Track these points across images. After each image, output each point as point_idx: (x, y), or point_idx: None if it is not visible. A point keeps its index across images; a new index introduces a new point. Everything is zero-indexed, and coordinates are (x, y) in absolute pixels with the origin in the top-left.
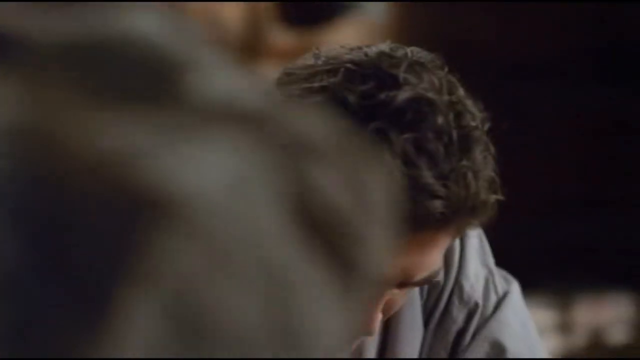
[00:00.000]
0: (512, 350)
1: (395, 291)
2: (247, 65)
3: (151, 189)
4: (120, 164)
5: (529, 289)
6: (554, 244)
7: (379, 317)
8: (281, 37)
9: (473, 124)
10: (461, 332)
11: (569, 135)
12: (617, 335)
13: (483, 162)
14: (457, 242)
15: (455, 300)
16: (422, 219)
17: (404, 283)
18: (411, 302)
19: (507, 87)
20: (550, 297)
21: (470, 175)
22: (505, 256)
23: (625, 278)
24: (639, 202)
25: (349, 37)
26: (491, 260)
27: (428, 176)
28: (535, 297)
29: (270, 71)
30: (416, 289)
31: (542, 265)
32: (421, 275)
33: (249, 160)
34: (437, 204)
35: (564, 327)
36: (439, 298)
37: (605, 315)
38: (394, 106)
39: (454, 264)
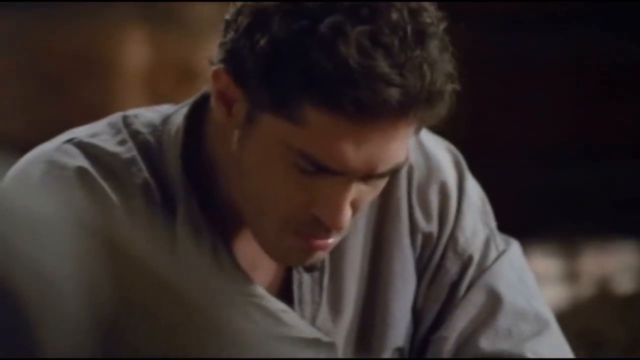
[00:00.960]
0: (508, 299)
1: (362, 187)
2: None
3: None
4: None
5: (535, 238)
6: (559, 192)
7: (348, 212)
8: None
9: (428, 20)
10: (455, 284)
11: (572, 82)
12: (624, 283)
13: (439, 56)
14: (454, 198)
15: (450, 252)
16: (381, 108)
17: (369, 175)
18: (401, 253)
19: (507, 37)
20: (556, 246)
21: (425, 65)
22: (511, 205)
23: (631, 226)
24: None
25: None
26: (493, 222)
27: (384, 66)
28: (541, 246)
29: None
30: (407, 241)
31: (548, 214)
32: (385, 167)
33: None
34: (394, 92)
35: (571, 276)
36: (434, 251)
37: (612, 263)
38: (349, 2)
39: (449, 219)
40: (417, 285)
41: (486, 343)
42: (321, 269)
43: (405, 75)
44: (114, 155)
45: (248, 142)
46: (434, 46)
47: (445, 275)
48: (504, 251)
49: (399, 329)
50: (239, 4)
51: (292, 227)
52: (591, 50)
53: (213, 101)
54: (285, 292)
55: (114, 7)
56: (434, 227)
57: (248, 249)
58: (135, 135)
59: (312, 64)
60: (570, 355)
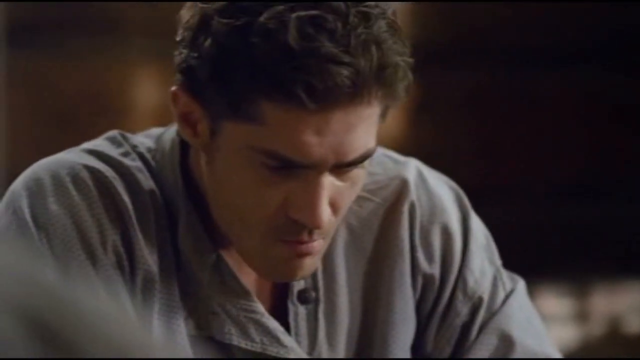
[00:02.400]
0: (520, 342)
1: (337, 182)
2: None
3: None
4: None
5: (545, 277)
6: (569, 232)
7: (326, 209)
8: None
9: (372, 4)
10: (466, 326)
11: (581, 121)
12: (635, 323)
13: (387, 35)
14: (458, 239)
15: (459, 294)
16: (333, 91)
17: (339, 165)
18: (402, 292)
19: (514, 73)
20: (566, 286)
21: (372, 44)
22: (521, 245)
23: None
24: None
25: None
26: (498, 260)
27: (329, 46)
28: (552, 286)
29: None
30: (408, 281)
31: (558, 254)
32: (354, 154)
33: None
34: (344, 71)
35: (581, 316)
36: (440, 294)
37: (622, 303)
38: None
39: (455, 258)
40: (424, 330)
41: None
42: (316, 301)
43: (352, 54)
44: (121, 162)
45: (215, 156)
46: (379, 26)
47: (455, 318)
48: (511, 291)
49: None
50: (183, 20)
51: (274, 236)
52: (601, 88)
53: (177, 125)
54: (280, 323)
55: (125, 45)
56: (436, 270)
57: (245, 276)
58: (134, 148)
59: (258, 56)
60: None
